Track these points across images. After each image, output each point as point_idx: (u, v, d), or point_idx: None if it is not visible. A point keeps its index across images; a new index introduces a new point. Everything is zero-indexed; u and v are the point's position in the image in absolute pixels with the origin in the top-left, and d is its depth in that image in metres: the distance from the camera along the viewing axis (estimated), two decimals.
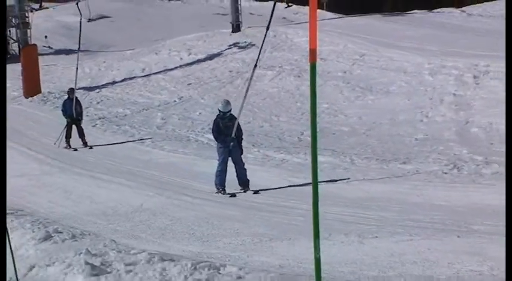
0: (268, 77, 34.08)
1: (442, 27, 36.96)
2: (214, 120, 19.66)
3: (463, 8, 43.91)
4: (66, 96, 26.88)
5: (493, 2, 44.34)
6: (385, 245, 11.61)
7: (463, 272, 9.74)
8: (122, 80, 37.05)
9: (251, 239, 12.89)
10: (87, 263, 9.61)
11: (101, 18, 59.52)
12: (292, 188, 18.03)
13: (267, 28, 19.66)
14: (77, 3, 31.18)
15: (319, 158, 19.69)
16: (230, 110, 19.56)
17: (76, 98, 25.90)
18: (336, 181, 18.23)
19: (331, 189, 16.67)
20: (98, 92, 35.74)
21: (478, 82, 26.79)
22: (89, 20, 57.99)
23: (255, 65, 19.63)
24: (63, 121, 25.49)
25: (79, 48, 28.00)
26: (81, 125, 25.73)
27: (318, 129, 24.13)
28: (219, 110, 19.62)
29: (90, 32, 52.90)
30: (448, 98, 26.16)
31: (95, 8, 56.73)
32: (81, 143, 25.33)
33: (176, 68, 38.63)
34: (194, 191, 18.86)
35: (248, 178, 19.17)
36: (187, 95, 34.07)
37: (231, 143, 19.13)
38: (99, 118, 30.03)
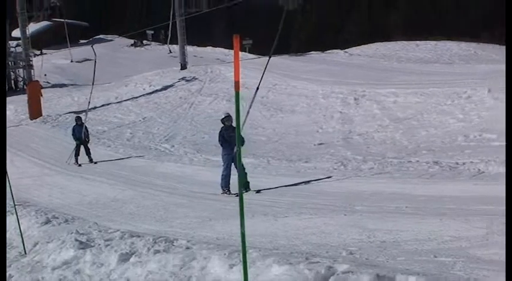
0: (208, 101, 34.15)
1: (332, 64, 37.29)
2: (220, 132, 17.73)
3: (347, 50, 44.29)
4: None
5: (368, 45, 44.84)
6: (293, 222, 11.67)
7: (348, 240, 9.80)
8: (101, 106, 36.88)
9: (196, 220, 12.91)
10: (76, 240, 9.70)
11: (86, 60, 59.34)
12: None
13: (269, 57, 18.25)
14: (92, 46, 31.19)
15: (245, 160, 19.86)
16: (232, 123, 17.46)
17: (83, 123, 25.30)
18: (257, 176, 18.28)
19: (253, 182, 16.69)
20: (84, 115, 35.69)
21: (358, 103, 27.01)
22: (77, 62, 57.91)
23: (257, 88, 18.67)
24: (59, 136, 25.33)
25: (93, 82, 28.57)
26: (88, 145, 24.89)
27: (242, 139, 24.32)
28: (223, 123, 17.69)
29: (78, 70, 52.83)
30: (336, 115, 26.35)
31: (82, 53, 56.70)
32: (88, 160, 24.41)
33: (140, 96, 38.63)
34: (155, 185, 18.80)
35: (248, 180, 17.12)
36: (149, 115, 34.07)
37: (235, 151, 16.65)
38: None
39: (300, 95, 29.65)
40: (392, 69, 34.26)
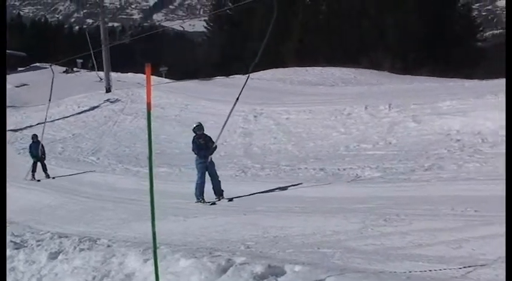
0: (129, 120, 33.83)
1: (235, 87, 37.16)
2: (193, 141, 16.10)
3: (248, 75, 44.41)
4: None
5: (266, 70, 45.15)
6: (200, 222, 11.68)
7: (246, 236, 9.84)
8: (37, 124, 36.11)
9: (117, 221, 12.78)
10: (11, 241, 9.43)
11: (23, 85, 58.26)
12: (143, 188, 17.81)
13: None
14: (50, 66, 30.34)
15: (160, 169, 19.76)
16: (203, 131, 16.19)
17: (39, 141, 24.31)
18: (171, 182, 18.21)
19: (168, 188, 16.60)
20: (21, 132, 34.94)
21: (257, 120, 27.16)
22: (15, 86, 56.61)
23: (237, 98, 17.47)
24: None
25: (49, 99, 27.90)
26: (44, 161, 23.83)
27: (158, 151, 24.17)
28: (195, 132, 16.12)
29: (16, 94, 51.52)
30: (239, 130, 26.42)
31: (20, 79, 55.68)
32: (45, 175, 23.30)
33: (70, 115, 38.00)
34: (83, 193, 18.55)
35: (222, 188, 15.65)
36: (78, 132, 33.57)
37: (209, 159, 15.68)
38: (22, 148, 29.27)
39: (208, 113, 29.58)
40: (286, 91, 34.62)
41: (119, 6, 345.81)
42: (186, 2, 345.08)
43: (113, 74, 47.67)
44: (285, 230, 10.03)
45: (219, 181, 15.79)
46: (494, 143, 17.98)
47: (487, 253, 7.31)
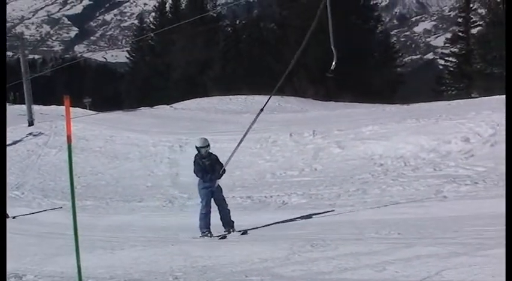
0: (53, 153, 33.23)
1: (159, 117, 37.28)
2: (194, 161, 13.59)
3: (172, 105, 44.44)
4: None
5: (190, 100, 45.26)
6: (128, 254, 11.56)
7: (175, 267, 9.82)
8: None
9: (44, 256, 12.54)
10: None
11: None
12: (70, 222, 17.55)
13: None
14: None
15: (86, 202, 19.51)
16: (208, 148, 13.55)
17: None
18: (97, 215, 17.99)
19: (95, 221, 16.39)
20: None
21: (182, 150, 27.06)
22: None
23: (261, 109, 15.66)
24: None
25: None
26: None
27: (84, 183, 23.85)
28: (198, 150, 13.46)
29: None
30: (165, 160, 26.30)
31: None
32: None
33: None
34: (9, 228, 18.09)
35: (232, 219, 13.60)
36: None
37: (216, 184, 13.43)
38: None
39: (133, 144, 29.41)
40: (211, 120, 34.70)
41: (39, 38, 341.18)
42: (108, 33, 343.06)
43: (36, 107, 46.86)
44: (213, 259, 10.06)
45: (228, 210, 13.67)
46: (416, 166, 18.46)
47: (410, 275, 7.51)
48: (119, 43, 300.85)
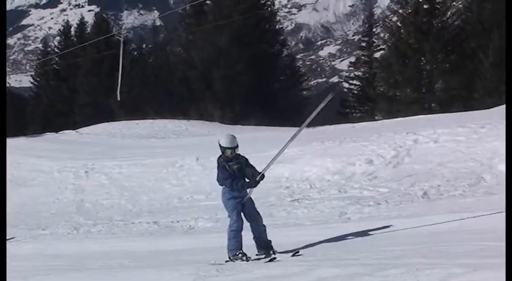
0: None
1: (65, 143, 36.73)
2: (220, 165, 11.01)
3: (78, 130, 43.85)
4: None
5: (96, 125, 44.74)
6: None
7: None
8: None
9: None
10: None
11: None
12: None
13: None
14: None
15: None
16: (237, 149, 11.05)
17: None
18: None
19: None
20: None
21: (88, 175, 26.61)
22: None
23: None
24: None
25: None
26: None
27: None
28: (223, 151, 10.96)
29: None
30: (70, 186, 25.79)
31: None
32: None
33: None
34: None
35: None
36: None
37: (249, 193, 11.11)
38: None
39: (38, 170, 28.77)
40: (117, 145, 34.39)
41: None
42: (11, 57, 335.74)
43: None
44: None
45: (264, 226, 11.21)
46: (321, 188, 18.73)
47: None
48: (23, 67, 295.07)
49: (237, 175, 10.91)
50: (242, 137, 31.64)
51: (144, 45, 69.21)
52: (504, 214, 8.66)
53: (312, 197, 17.91)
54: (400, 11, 50.64)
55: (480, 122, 21.01)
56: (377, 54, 56.33)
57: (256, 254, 11.01)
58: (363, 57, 57.67)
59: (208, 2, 59.85)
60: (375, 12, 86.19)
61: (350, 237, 12.22)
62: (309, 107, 60.28)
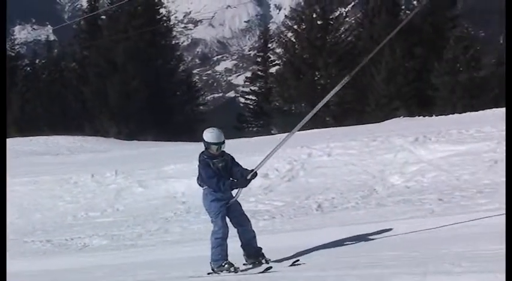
0: None
1: None
2: (203, 162, 9.80)
3: None
4: None
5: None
6: None
7: None
8: None
9: None
10: None
11: None
12: None
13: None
14: None
15: None
16: (223, 144, 9.87)
17: None
18: None
19: None
20: None
21: None
22: None
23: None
24: None
25: None
26: None
27: None
28: (208, 143, 9.71)
29: None
30: None
31: None
32: None
33: None
34: None
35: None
36: None
37: (237, 195, 10.01)
38: None
39: None
40: (9, 162, 33.22)
41: None
42: None
43: None
44: None
45: (253, 232, 10.05)
46: None
47: None
48: None
49: (222, 173, 9.73)
50: (138, 152, 31.52)
51: (37, 61, 67.65)
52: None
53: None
54: (295, 26, 51.60)
55: (372, 136, 21.53)
56: (272, 69, 57.12)
57: (244, 264, 9.91)
58: (258, 72, 58.33)
59: (103, 17, 59.28)
60: (270, 28, 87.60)
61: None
62: (205, 122, 60.41)
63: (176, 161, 23.54)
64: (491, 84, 42.51)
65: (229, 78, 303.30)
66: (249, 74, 65.86)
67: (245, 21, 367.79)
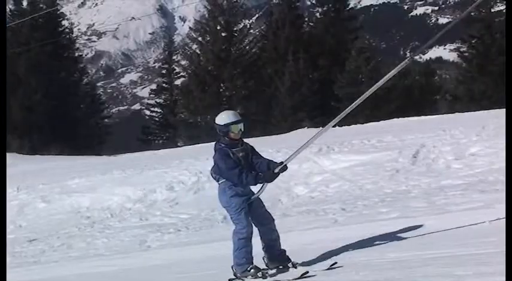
0: None
1: None
2: (220, 150, 8.42)
3: None
4: None
5: None
6: None
7: None
8: None
9: None
10: None
11: None
12: None
13: None
14: None
15: None
16: (243, 123, 8.43)
17: None
18: None
19: None
20: None
21: None
22: None
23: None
24: None
25: None
26: None
27: None
28: (226, 125, 8.30)
29: None
30: None
31: None
32: None
33: None
34: None
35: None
36: None
37: (261, 190, 8.65)
38: None
39: None
40: None
41: None
42: None
43: None
44: None
45: (277, 232, 8.78)
46: (122, 217, 18.52)
47: None
48: None
49: (243, 164, 8.38)
50: (41, 167, 30.79)
51: None
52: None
53: (112, 226, 17.65)
54: (199, 38, 51.65)
55: (277, 147, 21.75)
56: (178, 81, 56.96)
57: (264, 269, 8.58)
58: (163, 85, 58.05)
59: None
60: (175, 40, 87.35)
61: (151, 265, 12.17)
62: (110, 135, 59.69)
63: (80, 175, 23.18)
64: (393, 95, 43.56)
65: (134, 90, 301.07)
66: (154, 87, 65.39)
67: (150, 33, 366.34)
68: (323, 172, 18.46)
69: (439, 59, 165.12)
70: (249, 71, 49.32)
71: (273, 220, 8.72)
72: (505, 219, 7.13)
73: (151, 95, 63.91)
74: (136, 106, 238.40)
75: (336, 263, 8.41)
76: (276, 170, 8.30)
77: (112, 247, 14.87)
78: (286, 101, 45.49)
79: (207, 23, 51.41)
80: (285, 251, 8.69)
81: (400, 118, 29.34)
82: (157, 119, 57.68)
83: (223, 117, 8.35)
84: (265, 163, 8.49)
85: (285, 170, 8.41)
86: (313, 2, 56.44)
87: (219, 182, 8.63)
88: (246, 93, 48.84)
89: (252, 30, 56.66)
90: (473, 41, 45.32)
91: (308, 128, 33.93)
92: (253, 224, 8.50)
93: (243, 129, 8.35)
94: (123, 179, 21.73)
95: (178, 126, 52.13)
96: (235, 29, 50.82)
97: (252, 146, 8.65)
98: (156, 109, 58.20)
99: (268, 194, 17.46)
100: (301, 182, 17.99)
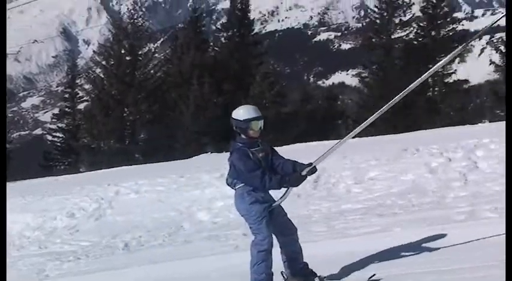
0: None
1: None
2: (238, 150, 7.42)
3: None
4: None
5: None
6: None
7: None
8: None
9: None
10: None
11: None
12: None
13: None
14: None
15: None
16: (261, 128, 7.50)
17: None
18: None
19: None
20: None
21: None
22: None
23: None
24: None
25: None
26: None
27: None
28: (246, 121, 7.38)
29: None
30: None
31: None
32: None
33: None
34: None
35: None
36: None
37: (284, 196, 7.66)
38: None
39: None
40: None
41: None
42: None
43: None
44: None
45: (299, 244, 7.86)
46: (21, 245, 18.13)
47: None
48: None
49: (264, 166, 7.43)
50: None
51: None
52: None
53: (11, 255, 17.16)
54: (103, 62, 51.10)
55: (180, 172, 21.69)
56: (81, 106, 56.10)
57: None
58: (66, 109, 57.03)
59: None
60: (79, 64, 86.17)
61: None
62: (11, 160, 58.17)
63: None
64: (296, 119, 44.17)
65: (36, 115, 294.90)
66: (56, 111, 64.06)
67: (53, 56, 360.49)
68: (226, 197, 18.45)
69: (341, 84, 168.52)
70: (154, 95, 49.09)
71: (296, 229, 7.83)
72: (505, 221, 7.17)
73: (53, 120, 62.54)
74: (38, 131, 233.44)
75: (374, 274, 7.73)
76: (304, 173, 7.36)
77: (9, 278, 14.45)
78: (191, 125, 45.45)
79: (111, 46, 50.97)
80: (307, 264, 7.84)
81: (302, 143, 29.74)
82: (59, 144, 56.52)
83: (243, 112, 7.46)
84: (290, 164, 7.57)
85: (314, 172, 7.49)
86: (219, 26, 56.85)
87: (236, 187, 7.70)
88: (151, 117, 48.55)
89: (157, 54, 56.42)
90: (373, 67, 46.55)
91: (211, 152, 33.94)
92: (273, 235, 7.62)
93: (262, 127, 7.55)
94: (23, 206, 21.20)
95: (81, 152, 51.26)
96: (139, 52, 50.57)
97: (271, 146, 7.81)
98: (58, 134, 57.04)
99: (171, 219, 17.46)
100: (203, 207, 17.97)
